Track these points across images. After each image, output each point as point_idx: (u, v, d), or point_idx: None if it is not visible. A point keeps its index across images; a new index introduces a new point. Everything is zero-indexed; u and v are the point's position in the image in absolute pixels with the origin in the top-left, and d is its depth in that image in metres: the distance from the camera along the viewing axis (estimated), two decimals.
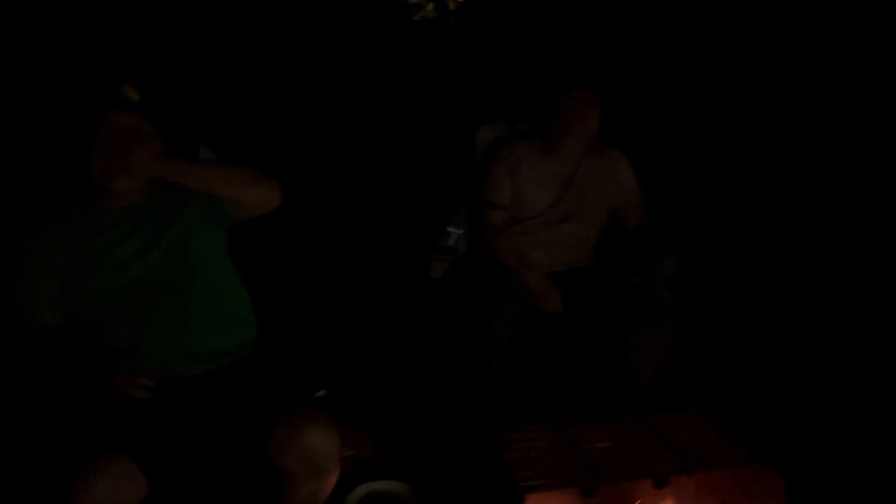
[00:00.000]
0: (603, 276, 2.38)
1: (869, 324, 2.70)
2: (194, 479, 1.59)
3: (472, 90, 3.48)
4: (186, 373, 1.68)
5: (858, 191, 2.92)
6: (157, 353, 1.66)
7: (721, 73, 3.30)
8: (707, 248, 2.61)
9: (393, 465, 2.03)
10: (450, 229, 2.48)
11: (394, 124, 3.48)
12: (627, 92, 2.84)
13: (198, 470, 1.60)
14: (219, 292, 1.76)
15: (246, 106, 3.22)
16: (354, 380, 2.28)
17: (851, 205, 2.87)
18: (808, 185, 3.01)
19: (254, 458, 1.58)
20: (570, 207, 2.39)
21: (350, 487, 1.94)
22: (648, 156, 2.60)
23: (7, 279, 1.71)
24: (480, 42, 3.72)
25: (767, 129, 3.23)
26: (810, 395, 2.43)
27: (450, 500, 1.92)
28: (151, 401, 1.60)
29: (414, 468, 2.05)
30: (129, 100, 1.72)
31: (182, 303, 1.69)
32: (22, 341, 1.70)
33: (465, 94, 3.45)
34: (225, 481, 1.63)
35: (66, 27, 2.90)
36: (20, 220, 1.82)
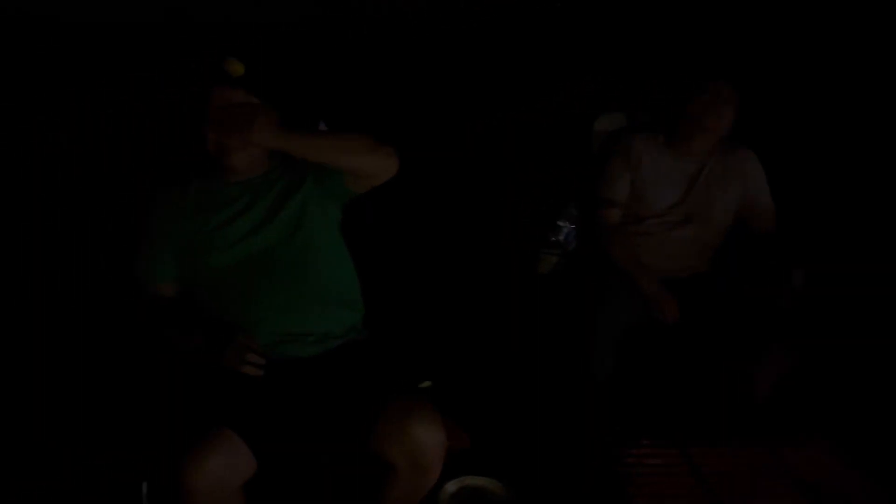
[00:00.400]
0: (724, 285, 2.23)
1: None
2: (296, 461, 1.57)
3: (591, 77, 3.32)
4: (295, 353, 1.67)
5: None
6: (268, 330, 1.65)
7: (868, 67, 3.04)
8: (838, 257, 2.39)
9: (487, 461, 1.97)
10: (560, 223, 2.38)
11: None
12: (766, 86, 2.66)
13: (300, 453, 1.58)
14: (331, 272, 1.74)
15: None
16: (455, 371, 2.23)
17: None
18: None
19: (356, 446, 1.55)
20: (692, 209, 2.25)
21: (443, 481, 1.90)
22: (781, 157, 2.42)
23: (128, 250, 1.74)
24: (598, 22, 3.55)
25: None
26: None
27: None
28: (261, 379, 1.59)
29: (509, 466, 1.98)
30: (234, 74, 1.70)
31: (295, 280, 1.68)
32: (141, 310, 1.73)
33: (582, 81, 3.29)
34: (326, 467, 1.61)
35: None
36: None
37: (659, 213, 2.24)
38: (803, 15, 3.12)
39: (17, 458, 2.00)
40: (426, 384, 1.89)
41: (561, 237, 2.36)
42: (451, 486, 1.94)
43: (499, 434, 2.10)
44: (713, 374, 2.07)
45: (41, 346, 2.32)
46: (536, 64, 3.26)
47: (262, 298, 1.66)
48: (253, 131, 1.57)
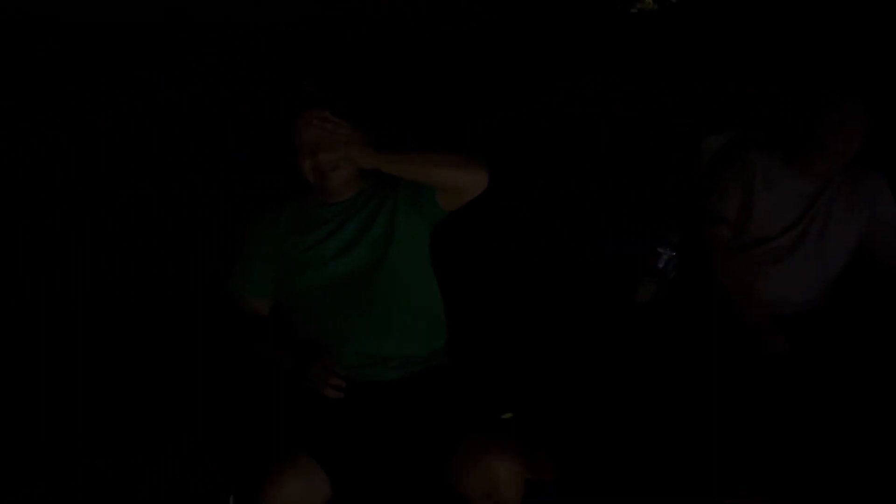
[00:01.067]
0: (845, 326, 2.03)
1: None
2: (373, 488, 1.56)
3: (700, 89, 3.17)
4: (378, 377, 1.67)
5: None
6: (352, 352, 1.66)
7: None
8: None
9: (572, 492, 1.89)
10: (660, 250, 2.25)
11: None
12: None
13: (378, 480, 1.57)
14: (417, 295, 1.72)
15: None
16: (543, 400, 2.15)
17: None
18: None
19: (433, 478, 1.52)
20: (808, 235, 2.06)
21: None
22: None
23: (227, 265, 1.79)
24: (707, 30, 3.38)
25: None
26: None
27: None
28: (342, 403, 1.59)
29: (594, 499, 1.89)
30: (317, 95, 1.71)
31: (382, 302, 1.67)
32: (236, 325, 1.77)
33: (701, 95, 3.15)
34: (403, 495, 1.59)
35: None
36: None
37: (770, 238, 2.07)
38: None
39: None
40: (508, 416, 1.84)
41: (661, 264, 2.24)
42: None
43: (588, 467, 2.01)
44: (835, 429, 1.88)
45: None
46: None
47: (349, 319, 1.67)
48: (348, 151, 1.58)
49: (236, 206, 2.63)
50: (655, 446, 2.00)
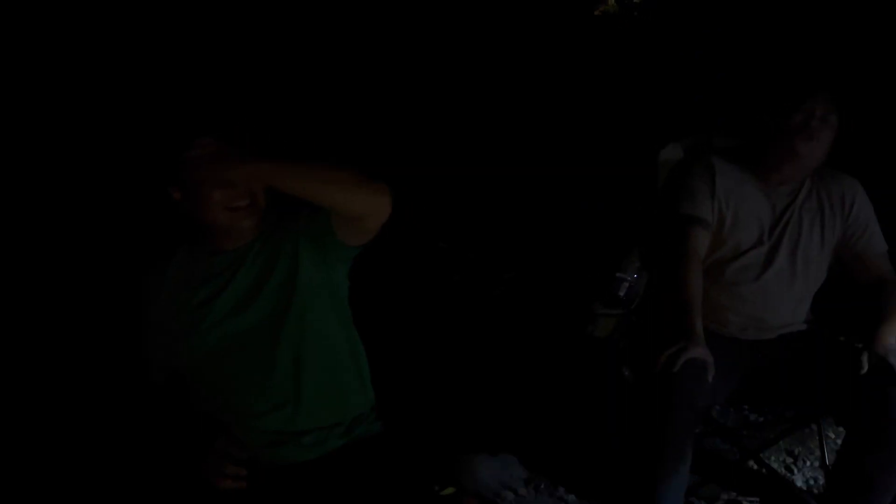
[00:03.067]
0: (828, 349, 1.81)
1: None
2: None
3: (658, 96, 3.01)
4: (290, 457, 1.40)
5: None
6: (257, 429, 1.40)
7: None
8: None
9: None
10: (619, 275, 2.02)
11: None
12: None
13: None
14: (333, 351, 1.46)
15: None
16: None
17: None
18: None
19: None
20: (782, 250, 1.85)
21: None
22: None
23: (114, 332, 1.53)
24: (671, 36, 3.26)
25: None
26: None
27: None
28: (246, 493, 1.32)
29: None
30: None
31: (289, 364, 1.41)
32: (127, 400, 1.50)
33: (646, 102, 2.98)
34: None
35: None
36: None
37: (741, 254, 1.86)
38: None
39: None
40: (449, 491, 1.57)
41: (622, 292, 2.00)
42: None
43: None
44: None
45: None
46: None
47: (251, 388, 1.40)
48: (226, 166, 1.32)
49: None
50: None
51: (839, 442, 1.88)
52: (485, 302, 2.51)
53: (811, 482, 2.05)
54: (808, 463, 2.12)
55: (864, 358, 1.67)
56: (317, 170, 1.38)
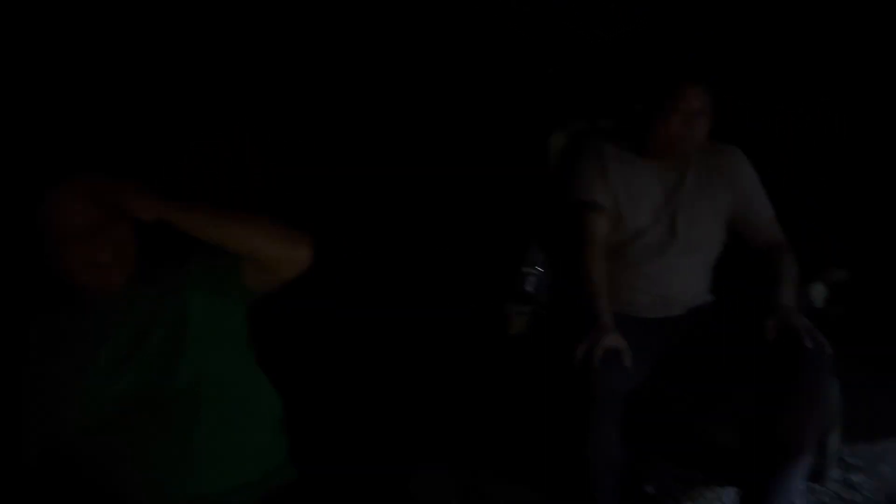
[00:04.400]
0: (728, 318, 1.85)
1: None
2: None
3: (544, 83, 3.00)
4: None
5: None
6: (155, 497, 1.25)
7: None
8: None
9: None
10: (526, 269, 1.99)
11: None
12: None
13: None
14: (236, 401, 1.33)
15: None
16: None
17: None
18: None
19: None
20: (678, 227, 1.87)
21: None
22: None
23: None
24: (556, 19, 3.29)
25: None
26: None
27: None
28: None
29: None
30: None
31: (187, 422, 1.27)
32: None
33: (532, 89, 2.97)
34: None
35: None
36: None
37: (639, 235, 1.87)
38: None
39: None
40: None
41: (530, 287, 1.97)
42: None
43: None
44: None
45: None
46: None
47: (140, 455, 1.25)
48: (128, 202, 1.19)
49: None
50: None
51: None
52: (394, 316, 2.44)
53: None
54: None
55: (770, 324, 1.70)
56: (230, 216, 1.27)
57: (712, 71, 1.90)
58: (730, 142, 1.96)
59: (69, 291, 1.31)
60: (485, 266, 2.28)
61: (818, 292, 1.88)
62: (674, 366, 1.81)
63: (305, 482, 1.36)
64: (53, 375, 1.27)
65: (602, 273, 1.81)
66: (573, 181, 1.91)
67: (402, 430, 2.21)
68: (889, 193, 2.90)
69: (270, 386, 1.40)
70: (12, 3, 2.65)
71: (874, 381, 2.44)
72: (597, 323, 1.68)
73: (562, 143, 2.10)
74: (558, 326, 1.84)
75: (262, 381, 1.39)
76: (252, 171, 3.02)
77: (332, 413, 2.13)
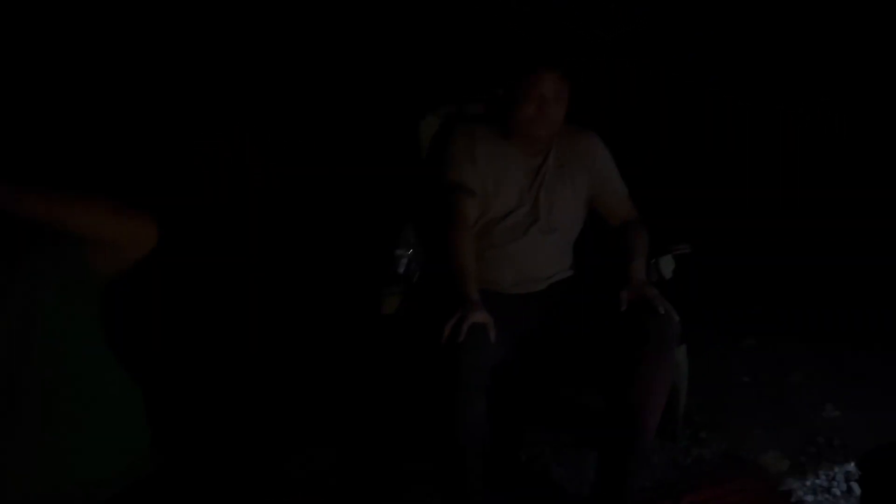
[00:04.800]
0: (587, 290, 1.97)
1: None
2: None
3: (411, 67, 3.02)
4: None
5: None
6: (11, 489, 1.21)
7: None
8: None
9: None
10: (398, 252, 2.02)
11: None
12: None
13: None
14: (94, 396, 1.28)
15: None
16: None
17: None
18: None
19: None
20: (541, 207, 1.97)
21: None
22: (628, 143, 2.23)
23: None
24: (421, 9, 3.29)
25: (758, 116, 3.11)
26: None
27: None
28: None
29: None
30: None
31: (41, 416, 1.22)
32: None
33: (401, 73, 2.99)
34: None
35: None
36: None
37: (506, 215, 1.95)
38: None
39: None
40: None
41: (401, 269, 2.01)
42: None
43: None
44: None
45: None
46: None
47: None
48: None
49: None
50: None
51: None
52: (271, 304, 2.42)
53: None
54: None
55: (623, 295, 1.83)
56: (63, 196, 1.19)
57: (568, 57, 1.99)
58: (589, 125, 2.07)
59: None
60: (358, 249, 2.29)
61: (666, 264, 2.03)
62: (540, 337, 1.90)
63: (172, 472, 1.33)
64: None
65: (470, 253, 1.87)
66: (443, 164, 1.96)
67: (278, 413, 2.21)
68: (726, 171, 3.13)
69: (127, 377, 1.36)
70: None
71: (721, 345, 2.67)
72: (464, 301, 1.74)
73: (432, 128, 2.13)
74: (428, 305, 1.89)
75: (118, 372, 1.35)
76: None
77: (209, 397, 2.09)
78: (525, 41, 2.76)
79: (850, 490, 1.99)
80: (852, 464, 2.06)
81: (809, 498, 1.98)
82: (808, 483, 2.03)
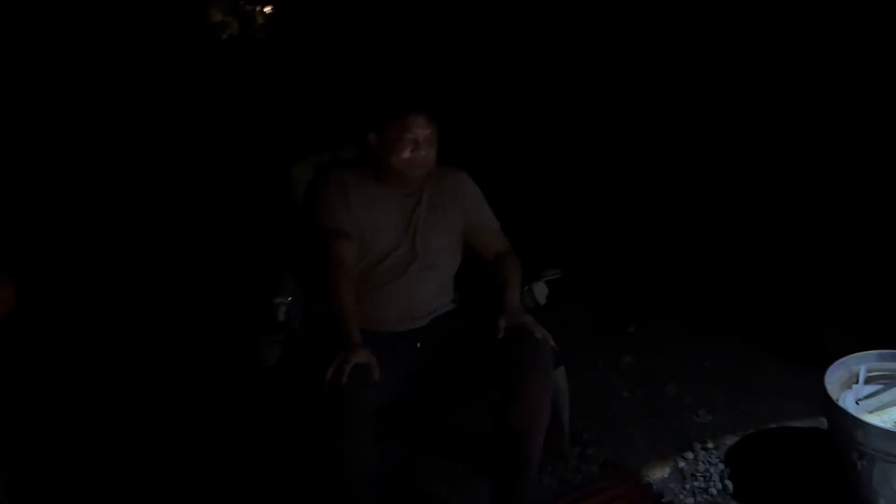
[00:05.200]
0: (468, 321, 2.03)
1: None
2: None
3: (286, 114, 3.04)
4: None
5: None
6: None
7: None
8: None
9: None
10: (277, 300, 2.01)
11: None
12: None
13: None
14: None
15: None
16: None
17: None
18: None
19: None
20: (418, 246, 2.02)
21: None
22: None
23: None
24: (295, 58, 3.32)
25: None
26: None
27: None
28: None
29: None
30: None
31: None
32: None
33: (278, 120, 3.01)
34: None
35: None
36: None
37: (385, 257, 1.99)
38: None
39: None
40: None
41: (281, 317, 1.99)
42: None
43: None
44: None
45: None
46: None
47: None
48: None
49: None
50: None
51: None
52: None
53: None
54: None
55: (500, 323, 1.90)
56: None
57: (437, 95, 2.07)
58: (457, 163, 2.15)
59: None
60: (236, 300, 2.26)
61: (540, 291, 2.13)
62: (426, 371, 1.94)
63: None
64: None
65: (350, 296, 1.89)
66: (320, 210, 1.98)
67: (162, 474, 2.11)
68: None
69: None
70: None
71: (602, 364, 2.80)
72: (346, 343, 1.76)
73: (305, 175, 2.15)
74: (311, 351, 1.89)
75: None
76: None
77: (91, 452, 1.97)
78: (396, 86, 2.84)
79: (724, 488, 2.12)
80: (723, 463, 2.21)
81: (690, 500, 2.10)
82: (687, 486, 2.15)
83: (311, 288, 2.08)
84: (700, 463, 2.23)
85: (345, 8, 3.05)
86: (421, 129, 1.94)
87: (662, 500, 2.08)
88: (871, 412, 1.98)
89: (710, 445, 2.30)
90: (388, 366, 1.78)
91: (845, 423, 1.87)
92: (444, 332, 2.02)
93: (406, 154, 1.94)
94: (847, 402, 1.98)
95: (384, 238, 2.00)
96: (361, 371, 1.71)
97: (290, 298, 2.02)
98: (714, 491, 2.13)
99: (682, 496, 2.11)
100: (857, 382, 2.04)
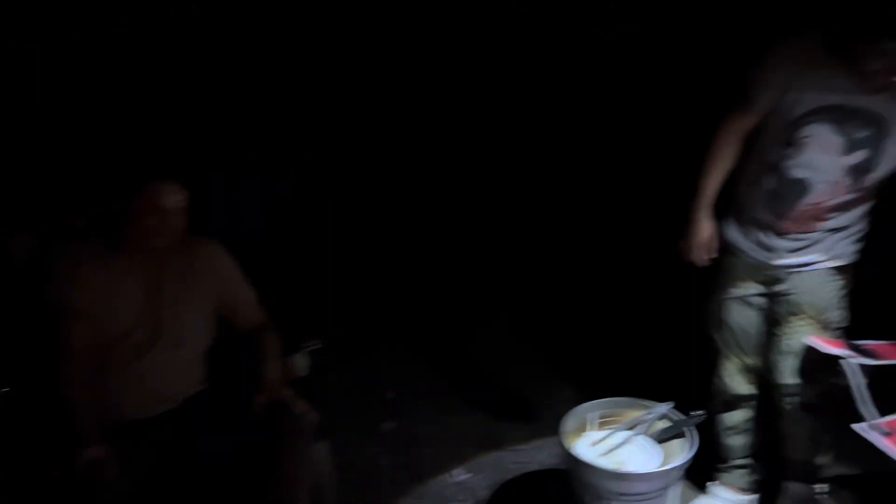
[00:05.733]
0: (222, 401, 1.90)
1: None
2: None
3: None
4: None
5: None
6: None
7: None
8: None
9: None
10: None
11: None
12: None
13: None
14: None
15: None
16: None
17: None
18: None
19: None
20: (160, 323, 1.86)
21: None
22: None
23: None
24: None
25: None
26: None
27: None
28: None
29: None
30: None
31: None
32: None
33: None
34: None
35: None
36: None
37: (120, 337, 1.80)
38: None
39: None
40: None
41: None
42: None
43: None
44: None
45: None
46: None
47: None
48: None
49: None
50: None
51: None
52: None
53: None
54: None
55: (258, 400, 1.81)
56: None
57: (187, 167, 1.96)
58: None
59: None
60: None
61: (300, 362, 2.08)
62: (178, 458, 1.78)
63: None
64: None
65: (80, 383, 1.70)
66: (44, 286, 1.75)
67: None
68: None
69: None
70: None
71: (362, 431, 2.78)
72: (76, 437, 1.56)
73: (26, 243, 1.91)
74: (32, 448, 1.64)
75: None
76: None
77: None
78: (145, 153, 2.67)
79: None
80: None
81: None
82: None
83: (31, 376, 1.82)
84: None
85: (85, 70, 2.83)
86: (171, 197, 1.82)
87: None
88: (603, 455, 2.19)
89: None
90: (128, 459, 1.61)
91: (578, 469, 2.04)
92: (196, 414, 1.88)
93: (154, 223, 1.79)
94: (581, 447, 2.16)
95: (122, 315, 1.82)
96: (95, 467, 1.52)
97: (6, 389, 1.74)
98: None
99: None
100: (590, 428, 2.25)
